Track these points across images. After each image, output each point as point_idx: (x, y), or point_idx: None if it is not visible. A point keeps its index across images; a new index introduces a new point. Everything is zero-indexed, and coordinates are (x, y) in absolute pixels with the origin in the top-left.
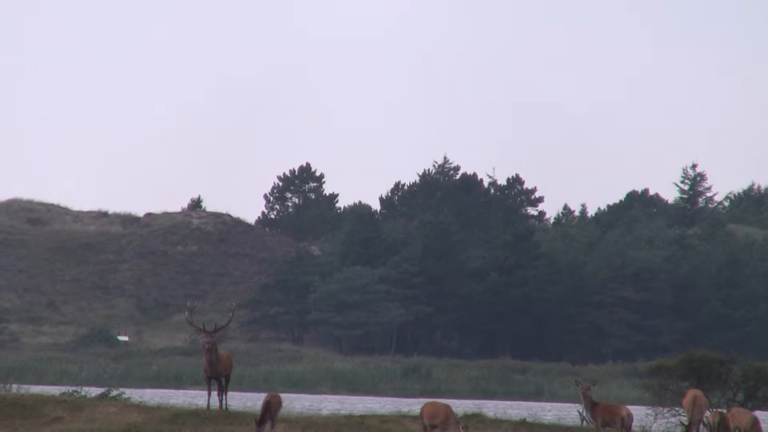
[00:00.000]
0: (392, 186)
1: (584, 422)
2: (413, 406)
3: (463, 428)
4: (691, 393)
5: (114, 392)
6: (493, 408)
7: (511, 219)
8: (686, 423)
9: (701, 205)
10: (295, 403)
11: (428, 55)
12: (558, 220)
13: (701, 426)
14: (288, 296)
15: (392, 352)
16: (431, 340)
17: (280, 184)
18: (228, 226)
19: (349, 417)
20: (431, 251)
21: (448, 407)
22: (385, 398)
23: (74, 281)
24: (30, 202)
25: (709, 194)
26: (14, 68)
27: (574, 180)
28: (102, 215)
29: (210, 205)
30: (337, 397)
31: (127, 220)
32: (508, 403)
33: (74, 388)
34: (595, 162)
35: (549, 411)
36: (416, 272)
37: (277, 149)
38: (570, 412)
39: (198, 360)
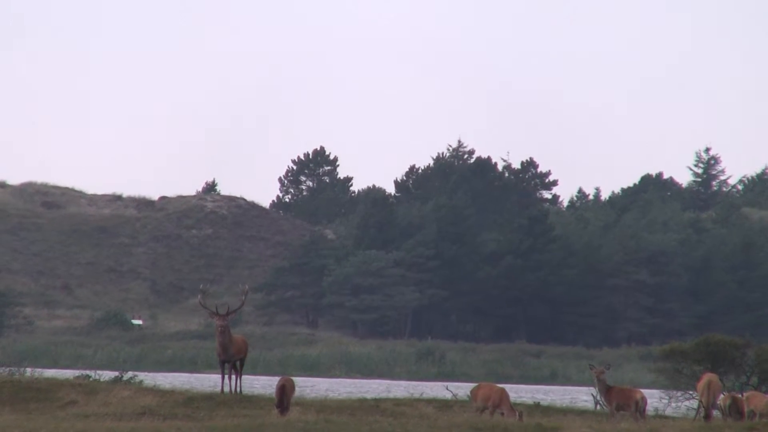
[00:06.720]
0: (407, 169)
1: (598, 406)
2: (427, 389)
3: (518, 414)
4: (706, 377)
5: (128, 376)
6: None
7: (526, 202)
8: (704, 406)
9: (715, 188)
10: (310, 386)
11: (442, 39)
12: (572, 203)
13: (713, 410)
14: (303, 280)
15: (407, 335)
16: (446, 323)
17: (294, 167)
18: (242, 209)
19: (363, 400)
20: (446, 235)
21: (502, 390)
22: (399, 382)
23: (89, 265)
24: (45, 185)
25: (722, 177)
26: (29, 52)
27: (588, 163)
28: (116, 198)
29: (224, 189)
30: (352, 380)
31: (142, 203)
32: (523, 386)
33: (88, 371)
34: (609, 145)
35: (563, 395)
36: (431, 256)
37: (291, 132)
38: (585, 395)
39: (212, 344)
